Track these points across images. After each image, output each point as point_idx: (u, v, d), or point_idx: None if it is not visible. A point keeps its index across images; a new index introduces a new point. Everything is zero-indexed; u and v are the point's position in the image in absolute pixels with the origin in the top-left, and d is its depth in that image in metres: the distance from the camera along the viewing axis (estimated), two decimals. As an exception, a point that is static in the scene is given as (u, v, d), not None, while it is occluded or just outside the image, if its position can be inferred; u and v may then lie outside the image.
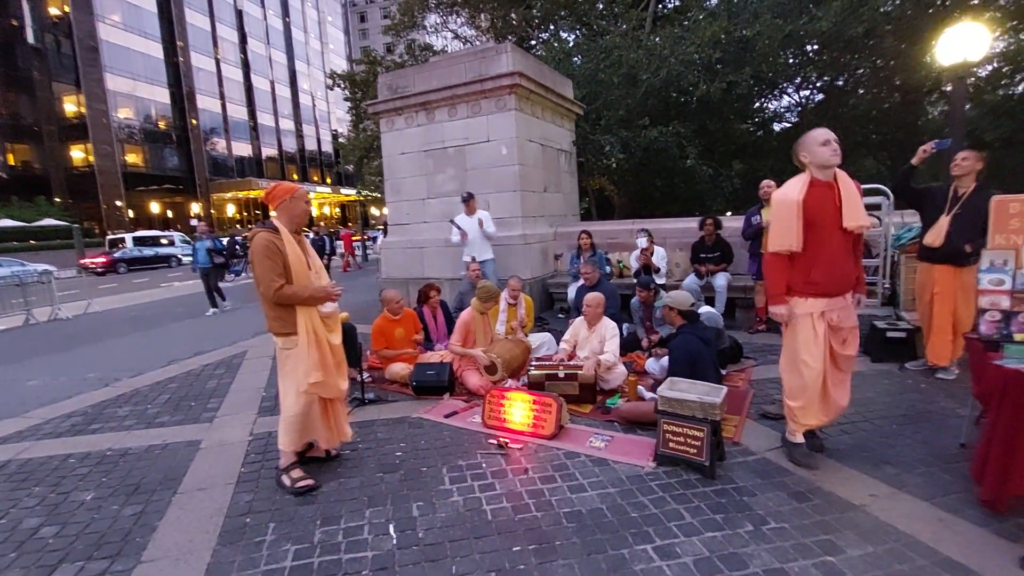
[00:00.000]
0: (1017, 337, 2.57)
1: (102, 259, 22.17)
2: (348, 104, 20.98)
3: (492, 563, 2.18)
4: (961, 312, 3.88)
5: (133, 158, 37.78)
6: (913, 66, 12.82)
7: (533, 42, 15.56)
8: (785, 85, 14.18)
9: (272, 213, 2.85)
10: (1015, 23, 12.27)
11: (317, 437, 3.02)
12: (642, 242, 6.17)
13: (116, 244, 24.51)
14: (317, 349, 2.80)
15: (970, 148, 3.98)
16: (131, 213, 36.59)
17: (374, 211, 47.02)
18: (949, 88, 15.20)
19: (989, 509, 2.38)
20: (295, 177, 53.51)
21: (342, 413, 3.12)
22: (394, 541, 2.35)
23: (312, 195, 53.91)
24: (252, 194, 43.45)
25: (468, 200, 6.59)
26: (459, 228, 6.56)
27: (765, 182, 5.58)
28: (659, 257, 6.28)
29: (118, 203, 35.68)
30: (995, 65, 13.64)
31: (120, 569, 2.28)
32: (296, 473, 2.88)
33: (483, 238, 6.56)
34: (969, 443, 2.98)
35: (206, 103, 43.55)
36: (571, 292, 6.35)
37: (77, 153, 35.22)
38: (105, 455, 3.47)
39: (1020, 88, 16.44)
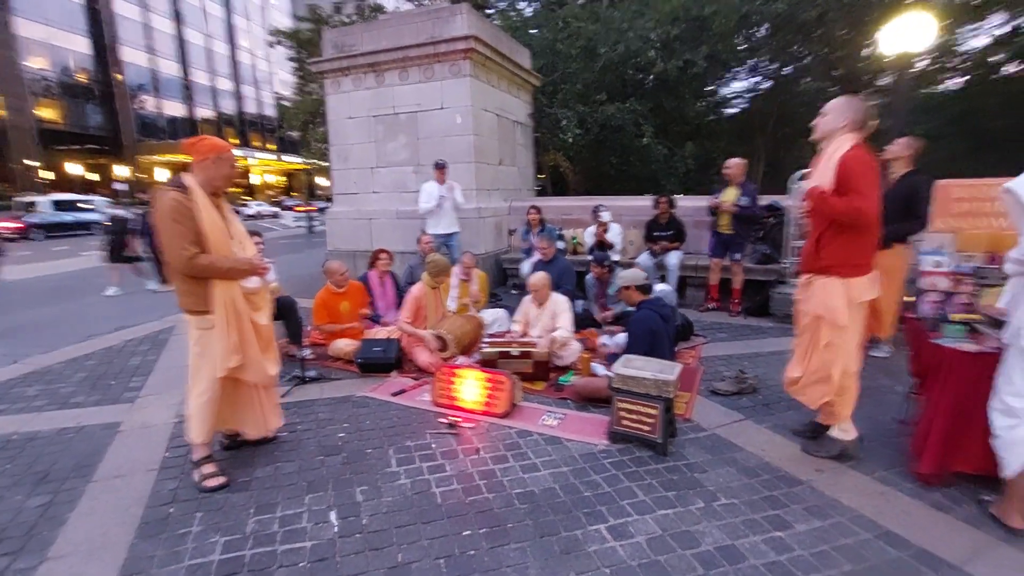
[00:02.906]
0: (954, 317, 2.67)
1: (15, 224, 20.12)
2: (292, 65, 19.76)
3: (441, 549, 2.07)
4: (884, 292, 4.03)
5: (49, 113, 34.21)
6: (856, 56, 13.32)
7: (490, 11, 15.06)
8: (737, 69, 14.42)
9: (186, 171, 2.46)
10: (948, 22, 12.90)
11: (243, 427, 2.74)
12: (606, 216, 6.11)
13: (28, 207, 22.29)
14: (238, 330, 2.49)
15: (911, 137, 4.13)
16: (49, 175, 33.37)
17: (322, 180, 45.02)
18: (883, 82, 16.02)
19: (924, 482, 2.48)
20: (234, 141, 50.29)
21: (270, 400, 2.82)
22: (335, 529, 2.20)
23: (254, 162, 51.25)
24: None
25: (442, 167, 6.21)
26: (437, 195, 6.17)
27: (731, 161, 5.56)
28: (615, 234, 6.25)
29: (32, 163, 32.41)
30: (926, 62, 14.39)
31: (23, 567, 2.03)
32: (207, 468, 2.57)
33: (453, 209, 6.28)
34: (905, 419, 3.11)
35: (132, 56, 39.78)
36: (525, 267, 6.24)
37: (-19, 105, 31.57)
38: (10, 440, 3.10)
39: (943, 86, 17.52)
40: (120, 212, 8.58)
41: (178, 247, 2.31)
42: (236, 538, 2.15)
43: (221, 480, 2.53)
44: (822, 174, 2.50)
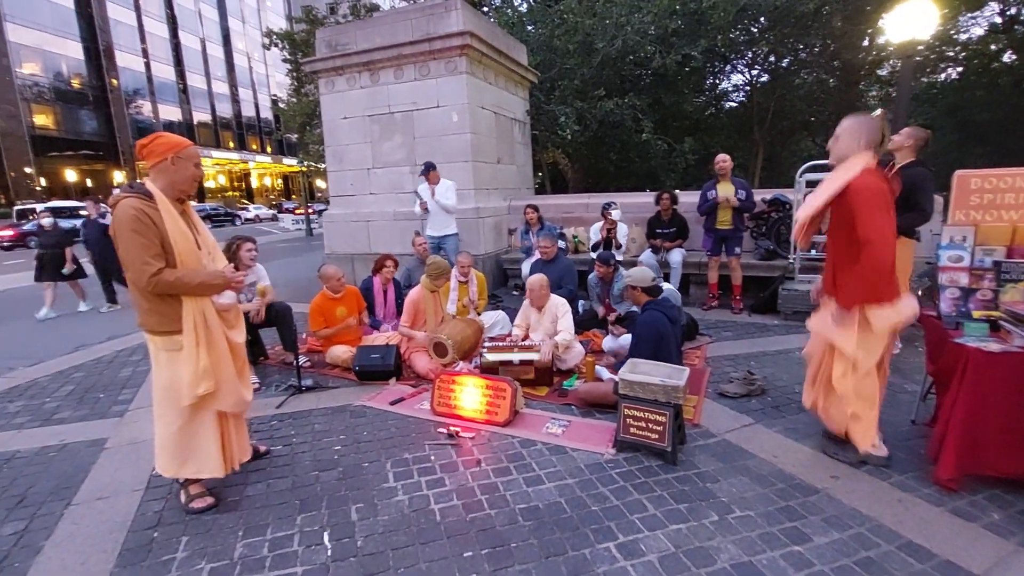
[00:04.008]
0: (976, 315, 2.55)
1: (9, 232, 20.00)
2: (288, 67, 19.57)
3: (440, 573, 1.95)
4: None
5: (43, 120, 34.08)
6: (855, 46, 13.18)
7: (485, 8, 14.91)
8: (736, 62, 14.29)
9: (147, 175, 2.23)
10: (945, 11, 12.78)
11: (200, 467, 2.32)
12: (616, 214, 5.98)
13: (25, 215, 22.18)
14: (209, 351, 2.21)
15: (914, 127, 4.04)
16: (43, 181, 33.22)
17: (320, 183, 44.90)
18: (882, 72, 15.91)
19: (944, 488, 2.36)
20: (231, 145, 50.14)
21: (243, 432, 2.55)
22: (328, 552, 2.08)
23: (252, 165, 51.08)
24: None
25: (427, 172, 6.06)
26: (420, 198, 6.08)
27: (720, 156, 5.50)
28: (622, 234, 6.13)
29: (27, 170, 32.27)
30: (924, 53, 14.26)
31: (-8, 602, 1.90)
32: (194, 489, 2.39)
33: (443, 211, 6.15)
34: (919, 420, 2.99)
35: (127, 61, 39.63)
36: (525, 268, 6.12)
37: (-26, 113, 31.42)
38: (-14, 460, 2.97)
39: (942, 77, 17.42)
40: (51, 221, 7.28)
41: (140, 262, 2.05)
42: (223, 564, 2.03)
43: (208, 501, 2.39)
44: (818, 196, 2.41)
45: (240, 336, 2.42)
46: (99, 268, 7.26)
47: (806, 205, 2.50)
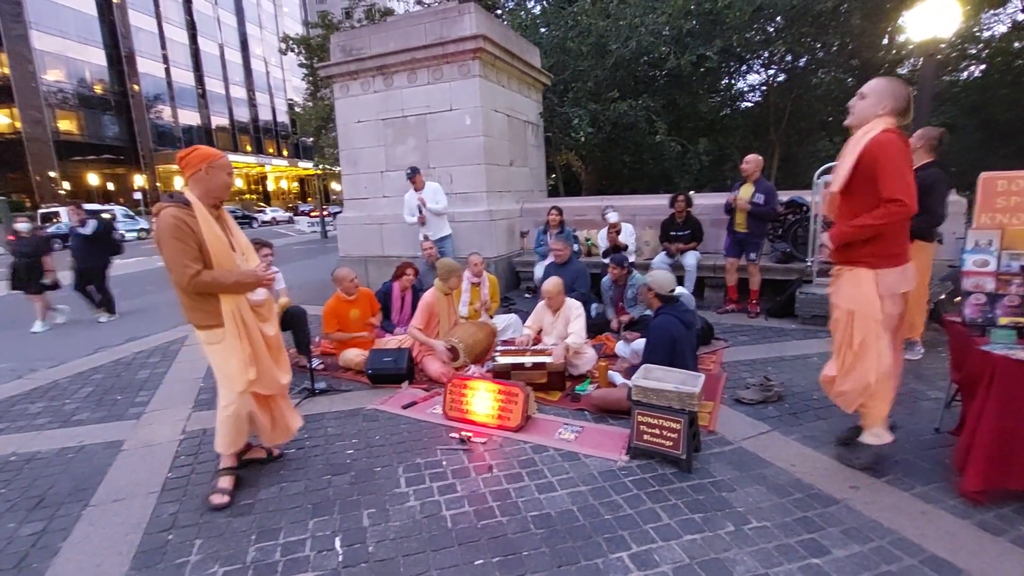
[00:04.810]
0: (1002, 321, 2.47)
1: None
2: (304, 71, 19.79)
3: (451, 581, 1.93)
4: None
5: (67, 125, 34.93)
6: (874, 45, 12.93)
7: (499, 12, 14.93)
8: (752, 61, 14.10)
9: (183, 184, 2.43)
10: (968, 8, 12.49)
11: (258, 435, 2.70)
12: (613, 217, 5.93)
13: (49, 218, 22.69)
14: (249, 342, 2.45)
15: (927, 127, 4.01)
16: (66, 185, 34.01)
17: (335, 186, 45.34)
18: (902, 71, 15.60)
19: (970, 500, 2.29)
20: (248, 149, 50.86)
21: (286, 408, 2.78)
22: (340, 558, 2.07)
23: (269, 168, 51.74)
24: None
25: (413, 176, 6.16)
26: (412, 210, 6.20)
27: (749, 157, 5.36)
28: (626, 234, 6.07)
29: (51, 174, 33.06)
30: (946, 51, 13.94)
31: (10, 603, 1.93)
32: (223, 482, 2.54)
33: (434, 214, 6.20)
34: (943, 429, 2.91)
35: (148, 67, 40.47)
36: (538, 271, 6.10)
37: (1, 118, 32.28)
38: (8, 461, 3.03)
39: (964, 75, 17.02)
40: (28, 226, 6.74)
41: (180, 265, 2.27)
42: (235, 568, 2.04)
43: (224, 500, 2.47)
44: (842, 164, 2.38)
45: (272, 329, 2.62)
46: (80, 277, 6.67)
47: (836, 176, 2.45)
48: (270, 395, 2.63)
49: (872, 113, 2.34)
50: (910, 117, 2.38)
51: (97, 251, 6.72)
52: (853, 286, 2.42)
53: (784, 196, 6.06)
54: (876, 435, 2.56)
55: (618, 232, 5.98)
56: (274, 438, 2.75)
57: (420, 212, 6.14)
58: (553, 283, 4.10)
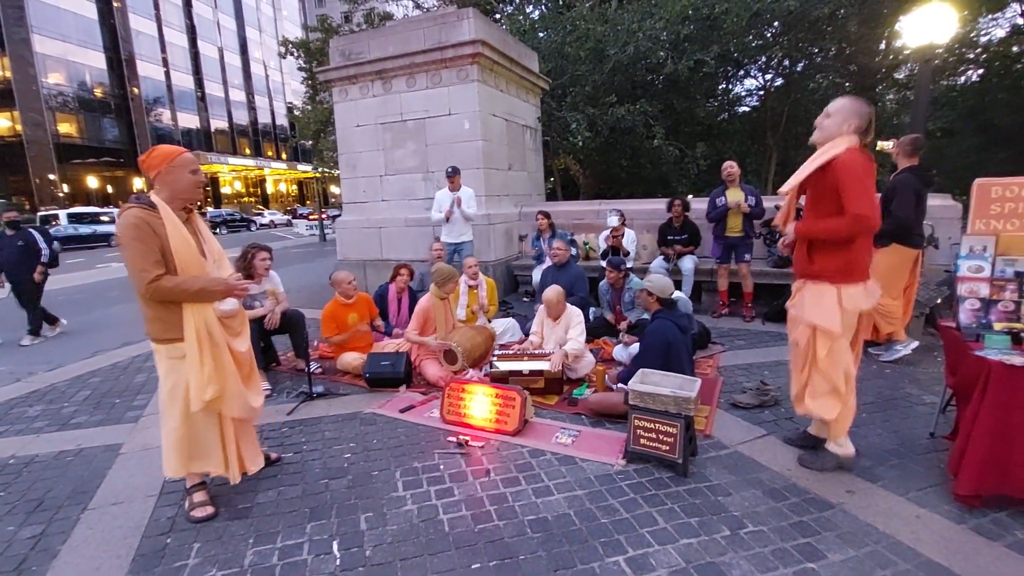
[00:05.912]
0: (997, 326, 2.49)
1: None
2: (303, 75, 19.85)
3: (448, 585, 1.94)
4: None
5: (67, 128, 34.93)
6: (871, 50, 13.00)
7: (497, 16, 14.99)
8: (749, 66, 14.17)
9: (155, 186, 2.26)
10: (964, 13, 12.57)
11: (203, 465, 2.39)
12: (613, 220, 5.96)
13: (48, 221, 22.69)
14: (212, 358, 2.24)
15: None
16: (66, 188, 34.00)
17: (334, 189, 45.38)
18: (899, 76, 15.68)
19: (965, 505, 2.30)
20: (247, 151, 50.92)
21: (252, 438, 2.56)
22: (337, 561, 2.08)
23: (268, 171, 51.73)
24: (201, 168, 40.94)
25: (452, 175, 6.10)
26: (442, 205, 6.12)
27: (728, 163, 5.47)
28: (629, 240, 6.10)
29: (51, 176, 33.05)
30: (943, 55, 14.01)
31: (9, 606, 1.94)
32: (198, 496, 2.41)
33: (463, 218, 6.17)
34: (938, 433, 2.93)
35: (148, 70, 40.53)
36: (536, 275, 6.11)
37: (2, 121, 32.29)
38: (7, 464, 3.03)
39: (962, 79, 17.11)
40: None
41: (139, 268, 2.10)
42: (233, 572, 2.04)
43: (209, 511, 2.39)
44: (801, 170, 2.47)
45: (243, 345, 2.42)
46: (16, 291, 6.09)
47: (790, 181, 2.56)
48: (238, 421, 2.42)
49: (837, 131, 2.40)
50: (871, 135, 2.45)
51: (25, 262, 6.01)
52: (816, 302, 2.45)
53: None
54: (840, 445, 2.61)
55: (620, 236, 6.01)
56: (230, 472, 2.42)
57: (451, 208, 6.06)
58: (554, 292, 4.10)
